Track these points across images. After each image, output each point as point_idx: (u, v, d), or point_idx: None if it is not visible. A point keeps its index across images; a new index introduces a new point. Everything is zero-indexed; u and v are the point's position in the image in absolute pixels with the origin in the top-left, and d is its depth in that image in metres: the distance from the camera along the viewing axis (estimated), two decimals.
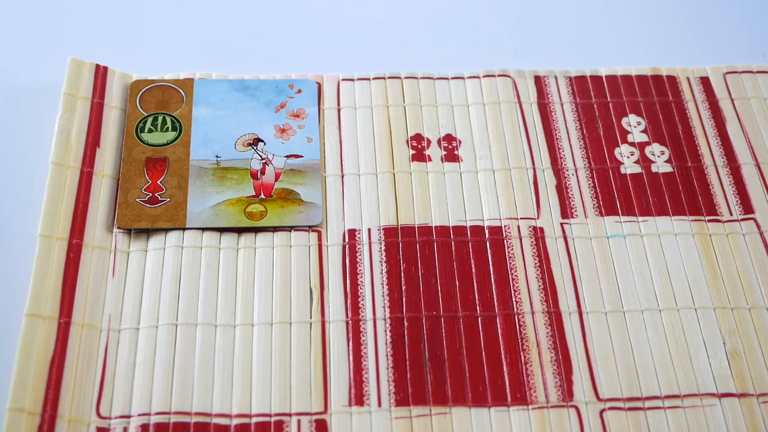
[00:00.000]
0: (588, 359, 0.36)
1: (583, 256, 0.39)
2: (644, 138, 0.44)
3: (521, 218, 0.40)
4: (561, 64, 0.46)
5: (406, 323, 0.37)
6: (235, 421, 0.34)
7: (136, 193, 0.39)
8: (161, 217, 0.39)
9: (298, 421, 0.34)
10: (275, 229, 0.39)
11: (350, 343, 0.36)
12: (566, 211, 0.41)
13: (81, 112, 0.41)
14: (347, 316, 0.37)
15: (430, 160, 0.42)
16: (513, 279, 0.38)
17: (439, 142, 0.43)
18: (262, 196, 0.40)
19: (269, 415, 0.34)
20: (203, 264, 0.38)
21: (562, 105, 0.45)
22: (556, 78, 0.46)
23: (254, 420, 0.34)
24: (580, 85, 0.45)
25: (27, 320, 0.35)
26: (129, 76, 0.44)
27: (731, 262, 0.39)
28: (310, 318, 0.37)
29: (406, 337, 0.37)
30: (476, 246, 0.39)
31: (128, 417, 0.34)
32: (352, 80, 0.45)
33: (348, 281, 0.38)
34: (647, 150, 0.43)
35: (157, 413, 0.34)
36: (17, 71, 0.45)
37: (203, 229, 0.39)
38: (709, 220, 0.41)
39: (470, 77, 0.45)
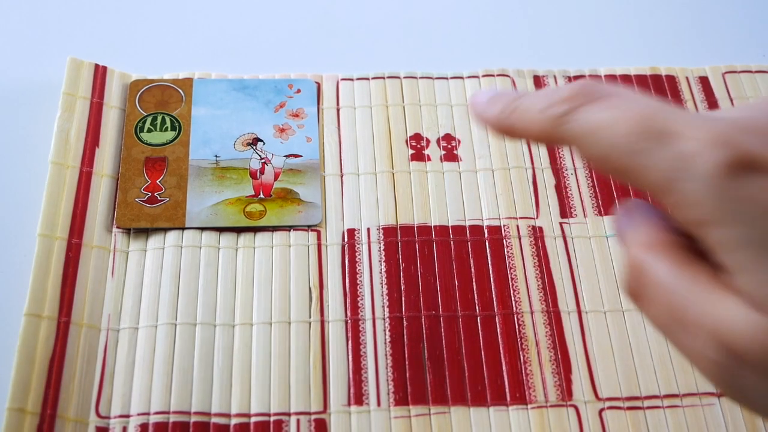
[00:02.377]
0: (587, 359, 0.36)
1: (582, 255, 0.39)
2: None
3: (520, 218, 0.40)
4: (560, 63, 0.46)
5: (405, 323, 0.37)
6: (234, 421, 0.34)
7: (136, 193, 0.39)
8: (160, 216, 0.39)
9: (297, 421, 0.34)
10: (274, 228, 0.39)
11: (349, 342, 0.36)
12: (565, 211, 0.41)
13: (80, 112, 0.41)
14: (346, 316, 0.37)
15: (429, 159, 0.42)
16: (512, 278, 0.38)
17: (438, 141, 0.43)
18: (261, 195, 0.40)
19: (268, 415, 0.34)
20: (202, 263, 0.38)
21: None
22: (555, 77, 0.46)
23: (253, 419, 0.34)
24: None
25: (26, 320, 0.35)
26: (128, 76, 0.44)
27: None
28: (310, 317, 0.37)
29: (405, 337, 0.37)
30: (475, 245, 0.39)
31: (127, 416, 0.34)
32: (351, 80, 0.45)
33: (347, 281, 0.38)
34: None
35: (157, 413, 0.34)
36: (17, 71, 0.45)
37: (202, 229, 0.39)
38: None
39: (469, 77, 0.45)
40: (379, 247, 0.39)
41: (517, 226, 0.40)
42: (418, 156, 0.42)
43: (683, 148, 0.24)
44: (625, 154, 0.26)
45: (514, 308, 0.38)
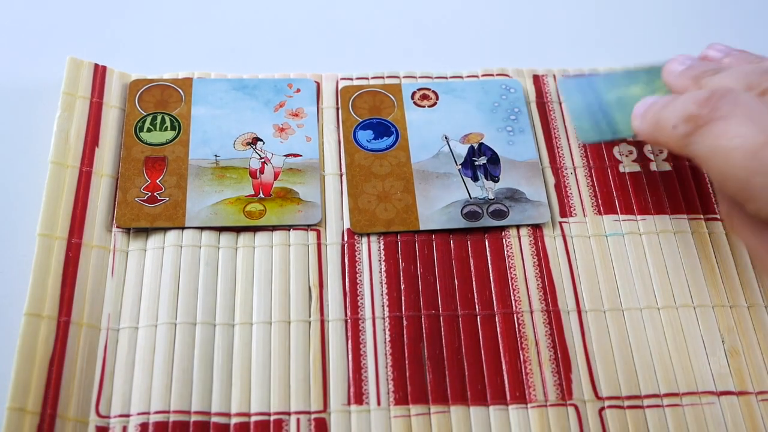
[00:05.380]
0: (587, 358, 0.36)
1: (581, 254, 0.39)
2: None
3: None
4: (560, 63, 0.46)
5: (405, 322, 0.37)
6: (234, 420, 0.34)
7: (135, 193, 0.39)
8: (160, 216, 0.39)
9: (297, 420, 0.34)
10: (274, 228, 0.39)
11: (349, 341, 0.36)
12: (565, 210, 0.41)
13: (80, 112, 0.42)
14: (346, 315, 0.37)
15: None
16: (512, 278, 0.38)
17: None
18: (261, 195, 0.40)
19: (268, 414, 0.34)
20: (202, 263, 0.38)
21: (560, 104, 0.45)
22: (554, 77, 0.46)
23: (253, 419, 0.34)
24: None
25: (26, 319, 0.35)
26: (128, 76, 0.44)
27: (729, 260, 0.39)
28: (309, 317, 0.37)
29: (405, 336, 0.37)
30: (475, 244, 0.39)
31: (127, 416, 0.34)
32: (351, 79, 0.45)
33: (347, 280, 0.38)
34: (646, 148, 0.43)
35: (157, 412, 0.34)
36: (17, 71, 0.45)
37: (202, 228, 0.39)
38: (707, 219, 0.41)
39: (469, 76, 0.45)
40: (379, 246, 0.39)
41: (517, 226, 0.40)
42: None
43: None
44: (739, 182, 0.29)
45: (514, 307, 0.38)
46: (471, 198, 0.40)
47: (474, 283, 0.38)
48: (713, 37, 0.50)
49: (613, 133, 0.37)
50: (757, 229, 0.32)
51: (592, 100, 0.41)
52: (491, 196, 0.40)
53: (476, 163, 0.41)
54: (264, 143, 0.42)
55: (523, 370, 0.36)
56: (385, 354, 0.36)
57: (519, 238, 0.39)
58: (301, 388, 0.35)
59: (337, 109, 0.44)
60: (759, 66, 0.34)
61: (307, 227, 0.39)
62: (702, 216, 0.41)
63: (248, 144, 0.41)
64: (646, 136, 0.36)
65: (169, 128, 0.42)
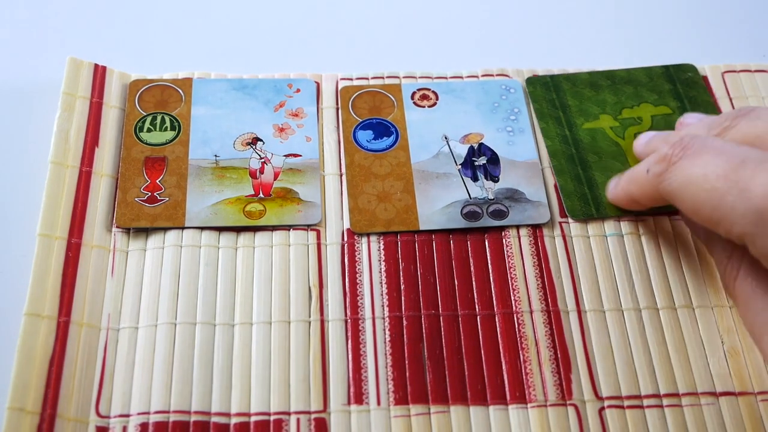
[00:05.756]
0: (587, 358, 0.36)
1: (581, 254, 0.39)
2: None
3: None
4: (560, 63, 0.46)
5: (405, 322, 0.37)
6: (234, 420, 0.34)
7: (135, 193, 0.39)
8: (160, 216, 0.39)
9: (297, 420, 0.34)
10: (274, 228, 0.39)
11: (349, 341, 0.36)
12: (565, 210, 0.41)
13: (80, 112, 0.42)
14: (346, 315, 0.37)
15: None
16: (512, 278, 0.38)
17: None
18: (261, 195, 0.40)
19: (268, 414, 0.34)
20: (202, 263, 0.38)
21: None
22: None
23: (253, 419, 0.34)
24: None
25: (26, 320, 0.35)
26: (127, 76, 0.44)
27: None
28: (309, 317, 0.37)
29: (405, 336, 0.37)
30: (475, 244, 0.39)
31: (127, 416, 0.34)
32: (351, 79, 0.45)
33: (347, 280, 0.38)
34: None
35: (157, 412, 0.34)
36: (17, 71, 0.45)
37: (202, 228, 0.39)
38: None
39: (469, 76, 0.45)
40: (379, 246, 0.39)
41: (517, 226, 0.40)
42: None
43: (758, 204, 0.30)
44: (711, 204, 0.31)
45: (514, 307, 0.38)
46: (471, 198, 0.40)
47: (474, 283, 0.38)
48: (711, 36, 0.50)
49: (598, 213, 0.40)
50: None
51: (574, 154, 0.41)
52: (491, 196, 0.40)
53: (476, 163, 0.41)
54: (264, 143, 0.42)
55: (523, 370, 0.36)
56: (385, 354, 0.36)
57: (519, 238, 0.39)
58: (301, 388, 0.35)
59: (337, 109, 0.44)
60: (719, 116, 0.37)
61: (307, 227, 0.39)
62: None
63: (248, 144, 0.41)
64: (622, 196, 0.38)
65: (169, 128, 0.42)
